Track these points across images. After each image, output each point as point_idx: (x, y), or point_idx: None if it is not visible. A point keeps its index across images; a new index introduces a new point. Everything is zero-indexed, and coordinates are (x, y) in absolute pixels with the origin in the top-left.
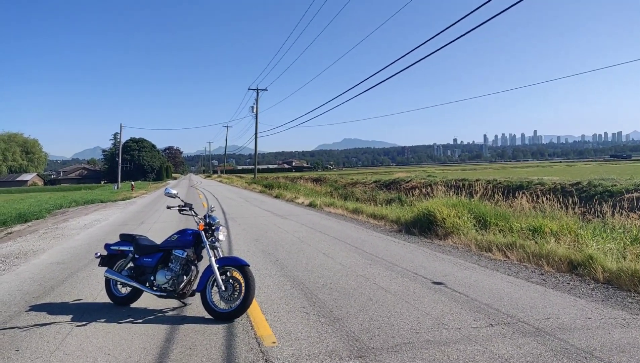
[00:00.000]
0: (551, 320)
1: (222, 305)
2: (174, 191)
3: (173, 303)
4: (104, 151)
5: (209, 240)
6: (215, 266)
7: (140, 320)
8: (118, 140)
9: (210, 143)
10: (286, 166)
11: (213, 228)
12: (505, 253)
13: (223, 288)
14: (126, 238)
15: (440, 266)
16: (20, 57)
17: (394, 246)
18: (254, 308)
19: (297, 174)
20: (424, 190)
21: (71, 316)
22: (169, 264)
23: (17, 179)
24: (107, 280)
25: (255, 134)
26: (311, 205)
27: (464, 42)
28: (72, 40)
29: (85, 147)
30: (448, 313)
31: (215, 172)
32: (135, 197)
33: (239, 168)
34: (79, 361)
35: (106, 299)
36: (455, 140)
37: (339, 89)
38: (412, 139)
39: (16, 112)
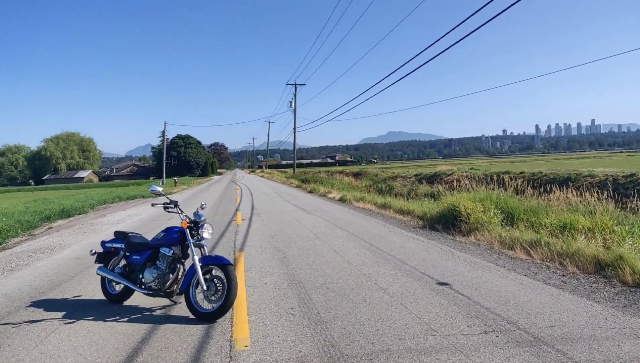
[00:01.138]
0: (555, 328)
1: (205, 305)
2: (159, 188)
3: (164, 301)
4: (153, 148)
5: (194, 238)
6: (198, 265)
7: (126, 319)
8: (165, 137)
9: (254, 138)
10: (329, 160)
11: (199, 225)
12: (528, 251)
13: (205, 287)
14: (119, 236)
15: (452, 265)
16: (79, 62)
17: (410, 243)
18: (241, 308)
19: (339, 168)
20: (463, 183)
21: (64, 313)
22: (157, 262)
23: (75, 176)
24: (102, 278)
25: (294, 129)
26: (341, 200)
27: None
28: (125, 43)
29: (138, 144)
30: (442, 317)
31: (260, 167)
32: (175, 193)
33: (283, 162)
34: (50, 361)
35: (103, 296)
36: (504, 131)
37: (380, 77)
38: (459, 131)
39: (74, 113)
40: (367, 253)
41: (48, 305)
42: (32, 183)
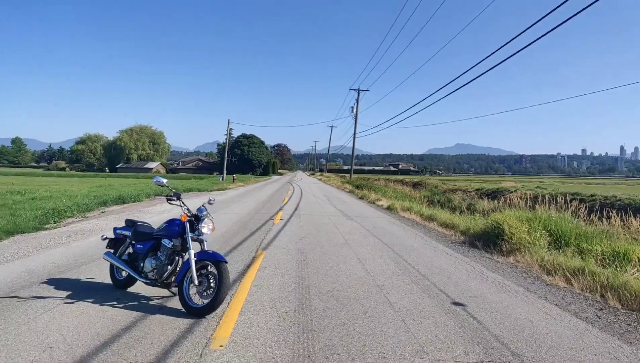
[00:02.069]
0: None
1: (196, 300)
2: (164, 180)
3: (164, 292)
4: (218, 145)
5: (194, 232)
6: (193, 260)
7: (121, 305)
8: (230, 135)
9: (316, 141)
10: (392, 168)
11: (199, 220)
12: (569, 279)
13: (196, 282)
14: (129, 224)
15: (477, 285)
16: (159, 60)
17: (441, 259)
18: (235, 307)
19: (400, 177)
20: (521, 201)
21: (69, 293)
22: (157, 253)
23: (144, 166)
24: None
25: (354, 134)
26: (389, 208)
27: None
28: (201, 47)
29: (206, 141)
30: (440, 340)
31: (321, 170)
32: (230, 189)
33: (345, 167)
34: (32, 338)
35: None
36: (584, 150)
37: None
38: (532, 147)
39: (148, 107)
40: (390, 264)
41: (60, 283)
42: (107, 170)
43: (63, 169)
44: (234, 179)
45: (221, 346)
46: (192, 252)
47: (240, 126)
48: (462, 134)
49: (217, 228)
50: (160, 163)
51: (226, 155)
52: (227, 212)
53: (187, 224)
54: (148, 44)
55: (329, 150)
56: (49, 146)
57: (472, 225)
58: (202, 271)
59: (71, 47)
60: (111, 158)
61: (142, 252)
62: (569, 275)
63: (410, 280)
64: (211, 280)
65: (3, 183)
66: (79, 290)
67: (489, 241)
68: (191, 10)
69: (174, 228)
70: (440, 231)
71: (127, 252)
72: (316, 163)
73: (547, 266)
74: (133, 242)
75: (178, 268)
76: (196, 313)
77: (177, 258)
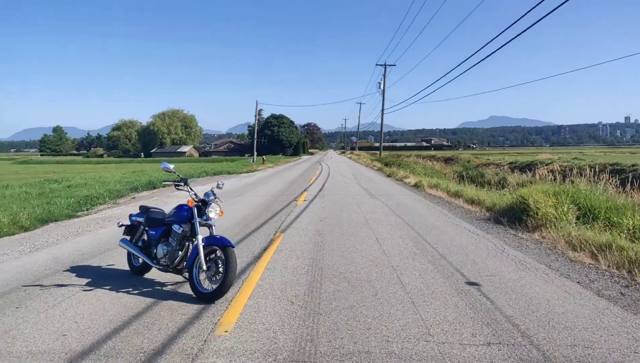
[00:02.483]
0: (577, 348)
1: (206, 285)
2: (171, 166)
3: (179, 277)
4: (249, 126)
5: (202, 217)
6: (201, 245)
7: (137, 292)
8: (260, 116)
9: (345, 119)
10: (425, 144)
11: (207, 204)
12: (595, 255)
13: (204, 267)
14: (143, 210)
15: (496, 263)
16: (187, 44)
17: (462, 237)
18: (245, 291)
19: (432, 152)
20: (554, 175)
21: (89, 280)
22: (169, 238)
23: (178, 150)
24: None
25: (382, 111)
26: (416, 186)
27: None
28: (228, 29)
29: (238, 122)
30: (449, 322)
31: (352, 148)
32: (259, 170)
33: (376, 144)
34: (49, 326)
35: None
36: (627, 118)
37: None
38: (571, 117)
39: (180, 91)
40: (409, 244)
41: (82, 271)
42: (142, 156)
43: (101, 156)
44: (263, 160)
45: (226, 332)
46: (200, 237)
47: (270, 106)
48: (496, 106)
49: (240, 211)
50: (193, 146)
51: (255, 137)
52: (252, 194)
53: (195, 210)
54: (178, 27)
55: (358, 128)
56: (88, 134)
57: (498, 201)
58: (210, 257)
59: (104, 35)
60: (145, 143)
61: (154, 238)
62: (595, 251)
63: (426, 260)
64: (219, 265)
65: (45, 171)
66: (98, 277)
67: (515, 217)
68: None
69: (182, 213)
70: (466, 207)
71: (142, 239)
72: (347, 141)
73: (574, 242)
74: (146, 229)
75: (189, 254)
76: (205, 298)
77: (187, 243)
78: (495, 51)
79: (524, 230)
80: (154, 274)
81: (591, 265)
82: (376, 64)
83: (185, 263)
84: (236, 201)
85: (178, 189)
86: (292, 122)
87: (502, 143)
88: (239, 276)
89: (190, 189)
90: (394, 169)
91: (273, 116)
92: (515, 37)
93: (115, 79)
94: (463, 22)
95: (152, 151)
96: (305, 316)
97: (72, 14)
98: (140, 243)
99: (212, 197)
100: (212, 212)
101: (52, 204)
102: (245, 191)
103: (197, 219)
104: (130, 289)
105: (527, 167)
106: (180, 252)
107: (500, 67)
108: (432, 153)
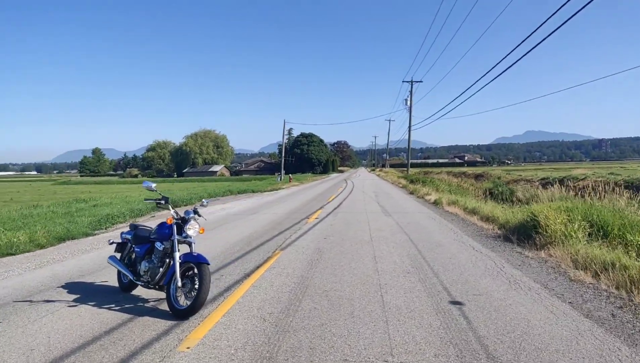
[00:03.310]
0: None
1: (182, 301)
2: (153, 185)
3: (163, 294)
4: (279, 145)
5: (181, 234)
6: (178, 262)
7: (118, 308)
8: (290, 135)
9: (375, 137)
10: (457, 160)
11: (186, 222)
12: (598, 274)
13: (179, 284)
14: (132, 228)
15: (488, 282)
16: (220, 68)
17: (464, 255)
18: (223, 308)
19: (464, 169)
20: (590, 191)
21: (78, 296)
22: (152, 255)
23: (209, 169)
24: None
25: (409, 128)
26: (435, 203)
27: None
28: (261, 51)
29: (270, 142)
30: (415, 342)
31: (383, 166)
32: (283, 189)
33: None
34: (21, 341)
35: None
36: None
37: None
38: (613, 130)
39: (212, 112)
40: (405, 262)
41: (74, 287)
42: (175, 175)
43: (136, 176)
44: (290, 179)
45: (188, 348)
46: (177, 255)
47: (301, 125)
48: (532, 120)
49: (249, 229)
50: (224, 166)
51: (283, 155)
52: (267, 212)
53: (174, 227)
54: (209, 50)
55: (387, 145)
56: (125, 155)
57: (512, 218)
58: (188, 273)
59: (142, 58)
60: (178, 163)
61: (139, 255)
62: (598, 270)
63: (417, 279)
64: (195, 282)
65: (82, 191)
66: (88, 293)
67: (525, 234)
68: (251, 14)
69: (164, 230)
70: (479, 225)
71: (129, 256)
72: (378, 159)
73: (579, 261)
74: (133, 246)
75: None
76: (180, 314)
77: (168, 260)
78: (523, 56)
79: (531, 247)
80: (142, 291)
81: (590, 285)
82: (403, 81)
83: (165, 279)
84: (249, 219)
85: (159, 207)
86: (321, 140)
87: (538, 158)
88: (222, 294)
89: (172, 207)
90: (418, 186)
91: (302, 135)
92: (542, 40)
93: (152, 102)
94: (490, 30)
95: (184, 170)
96: (272, 334)
97: (110, 37)
98: (127, 260)
99: (191, 215)
100: (191, 230)
101: (73, 223)
102: (261, 209)
103: (177, 237)
104: (113, 305)
105: (560, 183)
106: (161, 269)
107: (535, 79)
108: (464, 169)
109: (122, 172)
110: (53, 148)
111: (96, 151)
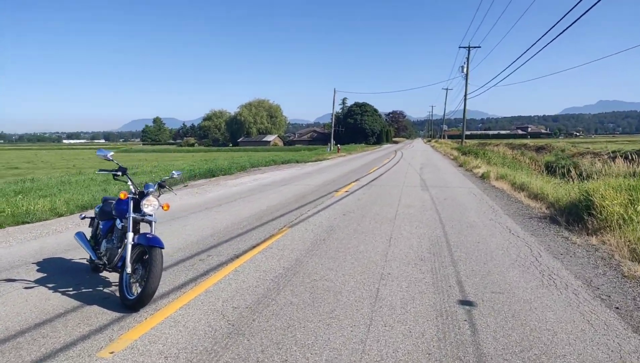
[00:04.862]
0: None
1: (134, 290)
2: (109, 153)
3: None
4: (332, 115)
5: (138, 212)
6: (130, 244)
7: (74, 292)
8: (344, 105)
9: (432, 106)
10: (520, 131)
11: (144, 196)
12: None
13: (128, 270)
14: (103, 201)
15: (516, 276)
16: (294, 40)
17: (496, 239)
18: (183, 298)
19: (525, 141)
20: None
21: (44, 275)
22: (113, 234)
23: (263, 139)
24: None
25: (465, 96)
26: (482, 176)
27: None
28: (321, 22)
29: (325, 112)
30: (396, 358)
31: (442, 137)
32: (328, 159)
33: (468, 132)
34: None
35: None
36: None
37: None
38: None
39: (267, 82)
40: (423, 246)
41: (48, 264)
42: (230, 145)
43: (192, 145)
44: (338, 149)
45: (111, 353)
46: (131, 236)
47: (356, 95)
48: (606, 89)
49: (269, 202)
50: (278, 136)
51: (332, 125)
52: (298, 184)
53: (131, 203)
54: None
55: (444, 115)
56: (184, 124)
57: (563, 195)
58: (144, 257)
59: (197, 29)
60: (233, 132)
61: (102, 233)
62: None
63: (429, 268)
64: (147, 269)
65: (139, 159)
66: (57, 271)
67: (576, 215)
68: None
69: (122, 206)
70: (525, 203)
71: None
72: (435, 129)
73: (639, 251)
74: (99, 222)
75: None
76: (128, 305)
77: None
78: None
79: (581, 232)
80: (112, 273)
81: None
82: (459, 47)
83: None
84: (276, 191)
85: (116, 179)
86: (375, 110)
87: (612, 129)
88: (195, 279)
89: (129, 179)
90: (469, 158)
91: (356, 105)
92: None
93: (211, 71)
94: None
95: (239, 140)
96: (223, 336)
97: (175, 13)
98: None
99: (151, 189)
100: (147, 206)
101: (104, 192)
102: (295, 180)
103: (132, 215)
104: (71, 288)
105: (633, 155)
106: (119, 250)
107: (608, 39)
108: (525, 141)
109: (180, 141)
110: (120, 116)
111: (157, 120)
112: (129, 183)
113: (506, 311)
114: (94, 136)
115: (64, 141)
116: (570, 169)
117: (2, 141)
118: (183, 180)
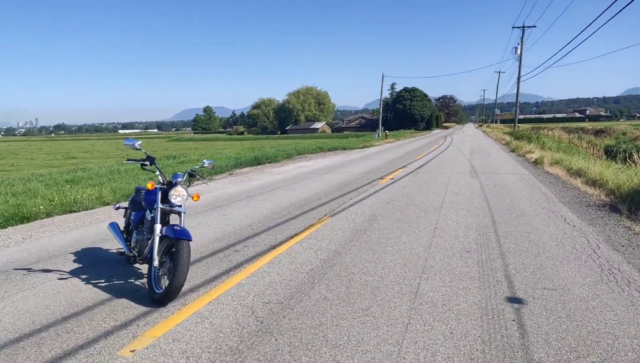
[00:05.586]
0: None
1: (162, 283)
2: (137, 143)
3: None
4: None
5: (166, 203)
6: (157, 236)
7: (105, 284)
8: (392, 90)
9: (484, 90)
10: (577, 115)
11: (173, 186)
12: None
13: (156, 263)
14: (136, 191)
15: (572, 270)
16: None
17: (549, 229)
18: (213, 292)
19: (583, 124)
20: None
21: (78, 266)
22: (144, 225)
23: (311, 126)
24: None
25: (518, 79)
26: (536, 162)
27: None
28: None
29: (375, 98)
30: (451, 357)
31: (494, 121)
32: (375, 146)
33: (521, 116)
34: (13, 308)
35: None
36: None
37: None
38: None
39: (318, 70)
40: (470, 237)
41: (84, 255)
42: (279, 133)
43: (242, 133)
44: (386, 135)
45: (132, 351)
46: (159, 227)
47: (404, 79)
48: None
49: (312, 190)
50: (326, 123)
51: (380, 111)
52: (342, 172)
53: (159, 194)
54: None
55: (496, 99)
56: (233, 113)
57: (625, 181)
58: (172, 250)
59: (248, 19)
60: (281, 120)
61: (134, 224)
62: None
63: (476, 261)
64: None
65: (189, 147)
66: (92, 262)
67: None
68: None
69: (151, 197)
70: (582, 189)
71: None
72: (487, 114)
73: None
74: (132, 212)
75: None
76: (156, 299)
77: None
78: None
79: None
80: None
81: None
82: (513, 27)
83: None
84: (319, 178)
85: (144, 169)
86: (425, 95)
87: None
88: (228, 272)
89: (158, 169)
90: (522, 143)
91: (405, 90)
92: None
93: (260, 59)
94: None
95: (287, 127)
96: (250, 334)
97: (220, 5)
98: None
99: (179, 179)
100: (175, 197)
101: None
102: (339, 168)
103: (160, 206)
104: (103, 280)
105: None
106: (149, 241)
107: None
108: (583, 124)
109: (230, 129)
110: (172, 106)
111: (207, 109)
112: (157, 172)
113: (560, 310)
114: (147, 125)
115: (119, 131)
116: (633, 153)
117: (63, 131)
118: (228, 168)
